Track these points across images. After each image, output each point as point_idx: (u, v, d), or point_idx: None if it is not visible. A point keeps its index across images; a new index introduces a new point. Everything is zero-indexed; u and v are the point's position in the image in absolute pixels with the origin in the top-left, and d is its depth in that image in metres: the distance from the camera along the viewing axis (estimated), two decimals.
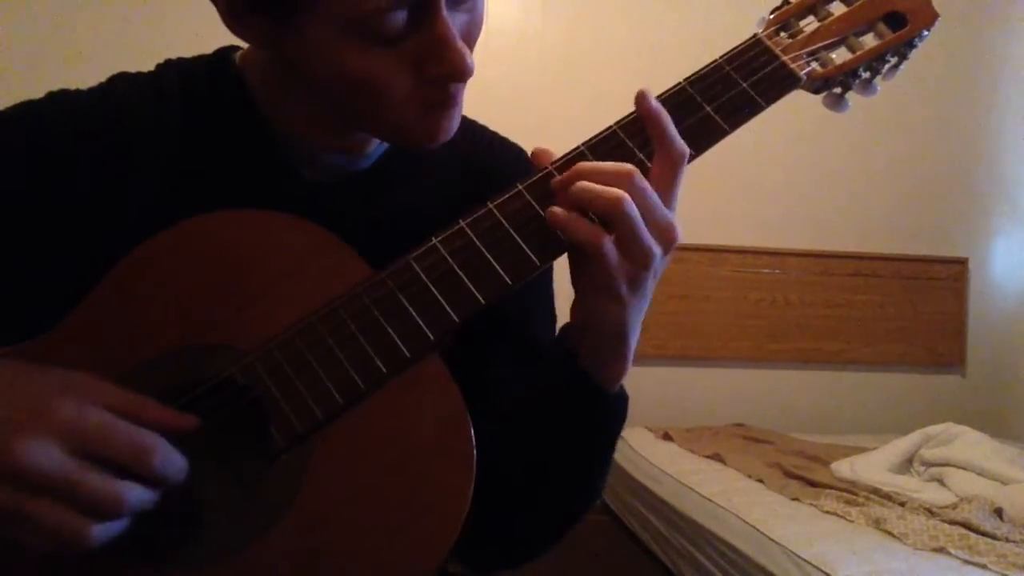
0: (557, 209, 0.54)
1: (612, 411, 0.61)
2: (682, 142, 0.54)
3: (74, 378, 0.50)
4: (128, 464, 0.48)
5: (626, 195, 0.52)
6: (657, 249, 0.53)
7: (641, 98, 0.55)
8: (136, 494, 0.48)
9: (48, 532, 0.46)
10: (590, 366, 0.58)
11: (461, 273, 0.55)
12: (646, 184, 0.53)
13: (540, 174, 0.57)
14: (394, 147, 0.70)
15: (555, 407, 0.60)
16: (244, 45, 0.68)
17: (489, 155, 0.74)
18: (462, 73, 0.56)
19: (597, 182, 0.53)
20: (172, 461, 0.50)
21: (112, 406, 0.49)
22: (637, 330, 0.57)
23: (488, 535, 0.62)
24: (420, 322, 0.55)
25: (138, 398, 0.51)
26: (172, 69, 0.68)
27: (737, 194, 3.09)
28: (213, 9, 0.57)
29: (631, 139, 0.57)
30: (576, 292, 0.58)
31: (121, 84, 0.66)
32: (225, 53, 0.68)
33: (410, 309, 0.55)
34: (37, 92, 0.65)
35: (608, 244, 0.52)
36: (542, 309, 0.75)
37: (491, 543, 0.65)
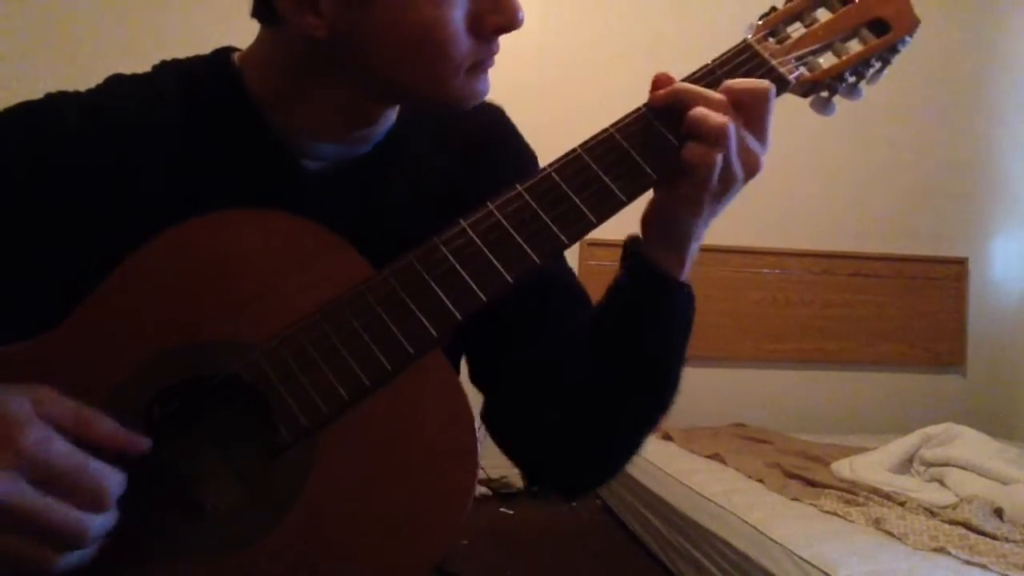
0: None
1: (676, 294, 0.65)
2: (719, 96, 0.58)
3: (39, 394, 0.50)
4: (84, 504, 0.48)
5: (730, 122, 0.57)
6: (741, 174, 0.60)
7: (660, 83, 0.60)
8: (99, 524, 0.48)
9: (11, 561, 0.46)
10: (654, 257, 0.63)
11: (462, 271, 0.57)
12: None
13: (539, 176, 0.59)
14: (393, 132, 0.71)
15: (624, 297, 0.65)
16: (242, 47, 0.68)
17: (480, 124, 0.76)
18: (516, 21, 0.61)
19: (701, 104, 0.58)
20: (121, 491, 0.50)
21: (63, 425, 0.49)
22: (702, 237, 0.64)
23: (578, 453, 0.68)
24: (423, 319, 0.56)
25: (92, 416, 0.51)
26: (169, 69, 0.68)
27: (737, 195, 3.09)
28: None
29: (627, 140, 0.59)
30: (656, 199, 0.62)
31: (118, 85, 0.67)
32: (224, 53, 0.69)
33: (412, 306, 0.56)
34: (34, 93, 0.65)
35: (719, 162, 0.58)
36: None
37: (579, 460, 0.68)
